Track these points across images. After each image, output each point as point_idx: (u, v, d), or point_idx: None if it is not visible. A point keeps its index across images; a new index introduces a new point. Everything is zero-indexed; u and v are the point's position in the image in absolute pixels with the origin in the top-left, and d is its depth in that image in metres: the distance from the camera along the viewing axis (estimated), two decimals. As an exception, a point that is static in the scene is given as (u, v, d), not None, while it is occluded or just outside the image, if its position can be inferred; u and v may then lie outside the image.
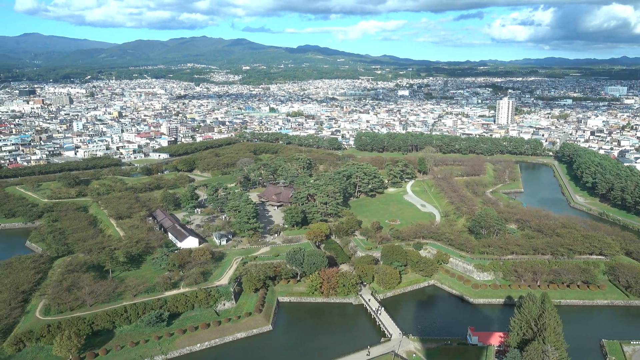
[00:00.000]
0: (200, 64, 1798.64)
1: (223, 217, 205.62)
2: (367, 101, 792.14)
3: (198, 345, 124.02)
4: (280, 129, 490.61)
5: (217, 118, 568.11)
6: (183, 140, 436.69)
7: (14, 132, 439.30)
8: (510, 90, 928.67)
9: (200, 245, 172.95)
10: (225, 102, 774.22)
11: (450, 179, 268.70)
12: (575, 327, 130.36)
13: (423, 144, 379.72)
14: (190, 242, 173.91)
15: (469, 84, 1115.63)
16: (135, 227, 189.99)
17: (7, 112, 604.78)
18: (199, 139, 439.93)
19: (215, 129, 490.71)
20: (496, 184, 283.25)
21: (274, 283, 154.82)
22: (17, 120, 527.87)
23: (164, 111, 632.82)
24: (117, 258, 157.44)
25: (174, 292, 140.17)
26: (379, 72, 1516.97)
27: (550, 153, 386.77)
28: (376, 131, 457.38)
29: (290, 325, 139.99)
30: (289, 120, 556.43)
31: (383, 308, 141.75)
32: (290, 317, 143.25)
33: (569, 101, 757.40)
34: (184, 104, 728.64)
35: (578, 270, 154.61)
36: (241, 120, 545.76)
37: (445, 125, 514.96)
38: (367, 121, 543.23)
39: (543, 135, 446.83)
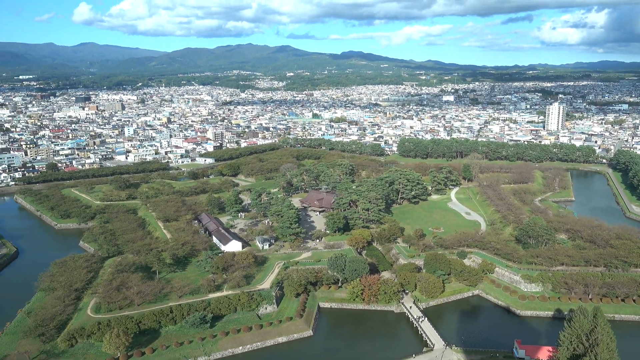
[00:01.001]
0: (246, 70, 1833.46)
1: (266, 222, 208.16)
2: (411, 107, 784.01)
3: (240, 347, 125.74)
4: (323, 134, 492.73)
5: (261, 124, 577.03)
6: (228, 145, 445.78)
7: (70, 137, 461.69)
8: (560, 95, 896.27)
9: (244, 249, 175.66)
10: (269, 108, 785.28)
11: (497, 187, 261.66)
12: (630, 344, 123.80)
13: (468, 150, 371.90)
14: (234, 246, 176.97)
15: (517, 89, 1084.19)
16: (182, 229, 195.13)
17: (65, 117, 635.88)
18: (243, 144, 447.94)
19: (259, 134, 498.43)
20: (545, 192, 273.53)
21: (315, 288, 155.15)
22: (73, 125, 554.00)
23: (210, 117, 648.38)
24: (164, 260, 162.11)
25: (218, 294, 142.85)
26: (423, 77, 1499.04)
27: (604, 160, 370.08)
28: (420, 137, 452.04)
29: (331, 331, 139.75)
30: (332, 126, 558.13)
31: (426, 317, 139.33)
32: (330, 323, 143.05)
33: (625, 106, 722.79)
34: (229, 110, 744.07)
35: (634, 284, 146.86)
36: (285, 126, 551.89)
37: (491, 132, 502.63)
38: (411, 127, 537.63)
39: (596, 141, 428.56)
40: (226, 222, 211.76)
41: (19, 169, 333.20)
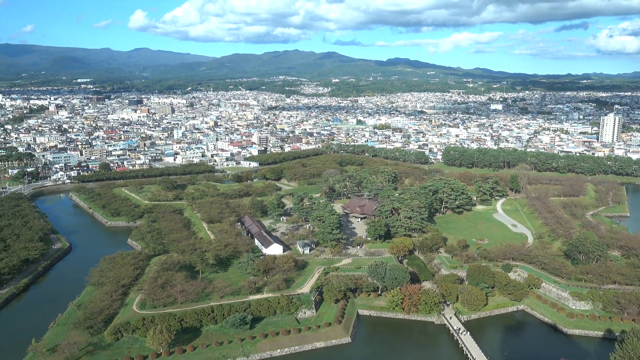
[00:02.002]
0: (292, 76, 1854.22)
1: (307, 227, 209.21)
2: (457, 115, 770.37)
3: (278, 350, 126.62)
4: (367, 141, 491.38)
5: (305, 129, 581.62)
6: (272, 149, 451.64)
7: (122, 138, 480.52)
8: (616, 106, 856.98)
9: (284, 253, 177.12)
10: (313, 113, 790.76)
11: (546, 199, 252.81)
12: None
13: (516, 160, 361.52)
14: (275, 249, 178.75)
15: (570, 99, 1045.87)
16: (225, 231, 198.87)
17: (118, 119, 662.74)
18: (287, 149, 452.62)
19: (303, 139, 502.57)
20: (598, 206, 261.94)
21: (355, 295, 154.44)
22: (125, 127, 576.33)
23: (255, 121, 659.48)
24: (207, 260, 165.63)
25: (258, 296, 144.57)
26: (471, 85, 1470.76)
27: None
28: (466, 146, 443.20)
29: (370, 339, 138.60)
30: (376, 132, 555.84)
31: (467, 330, 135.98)
32: (369, 331, 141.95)
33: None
34: (274, 114, 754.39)
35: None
36: (328, 132, 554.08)
37: (541, 142, 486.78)
38: (457, 135, 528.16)
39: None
40: (268, 225, 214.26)
41: (74, 168, 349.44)
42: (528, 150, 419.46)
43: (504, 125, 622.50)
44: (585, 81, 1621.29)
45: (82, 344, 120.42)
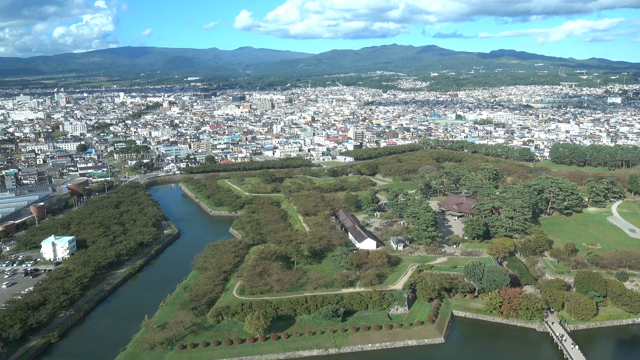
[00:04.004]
0: (389, 71, 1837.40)
1: (401, 223, 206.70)
2: (568, 109, 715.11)
3: (369, 345, 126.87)
4: (466, 137, 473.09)
5: (401, 124, 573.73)
6: (368, 145, 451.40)
7: (226, 133, 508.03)
8: None
9: (378, 248, 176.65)
10: (410, 108, 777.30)
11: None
12: None
13: (636, 159, 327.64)
14: (369, 244, 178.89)
15: None
16: (320, 224, 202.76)
17: (223, 115, 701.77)
18: (383, 144, 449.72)
19: (399, 135, 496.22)
20: None
21: (450, 295, 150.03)
22: (229, 122, 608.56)
23: (352, 117, 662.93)
24: (302, 251, 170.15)
25: (350, 290, 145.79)
26: (585, 77, 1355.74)
27: None
28: (577, 142, 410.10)
29: (464, 342, 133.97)
30: (476, 128, 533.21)
31: (574, 341, 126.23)
32: (464, 333, 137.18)
33: None
34: (371, 110, 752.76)
35: None
36: (426, 127, 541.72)
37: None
38: (567, 131, 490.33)
39: None
40: (362, 220, 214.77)
41: (183, 160, 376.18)
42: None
43: (623, 120, 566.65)
44: None
45: (188, 323, 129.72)
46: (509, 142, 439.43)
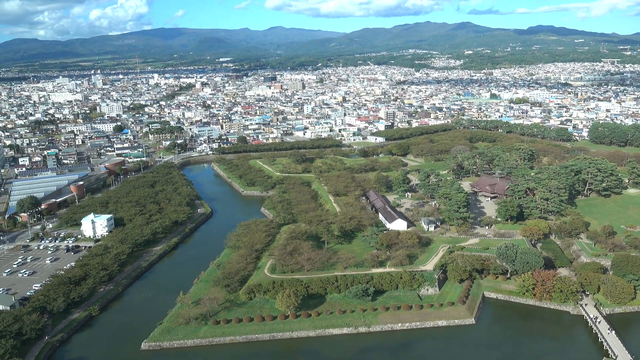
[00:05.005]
0: (422, 49, 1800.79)
1: (433, 204, 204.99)
2: (609, 87, 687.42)
3: (399, 324, 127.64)
4: (501, 116, 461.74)
5: (434, 104, 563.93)
6: (399, 125, 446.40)
7: (258, 113, 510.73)
8: None
9: (408, 229, 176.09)
10: (443, 87, 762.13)
11: None
12: None
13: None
14: (399, 225, 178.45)
15: None
16: (350, 204, 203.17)
17: (254, 95, 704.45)
18: (414, 124, 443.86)
19: (431, 114, 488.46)
20: None
21: (481, 277, 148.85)
22: (260, 103, 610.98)
23: (383, 96, 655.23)
24: (333, 231, 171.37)
25: (380, 270, 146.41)
26: (628, 53, 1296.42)
27: None
28: (618, 122, 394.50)
29: (495, 323, 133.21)
30: (512, 107, 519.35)
31: (609, 324, 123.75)
32: (495, 315, 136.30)
33: None
34: (402, 89, 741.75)
35: None
36: (459, 107, 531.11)
37: None
38: (607, 110, 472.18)
39: None
40: (393, 200, 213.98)
41: (216, 140, 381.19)
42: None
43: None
44: None
45: (221, 300, 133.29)
46: (546, 121, 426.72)
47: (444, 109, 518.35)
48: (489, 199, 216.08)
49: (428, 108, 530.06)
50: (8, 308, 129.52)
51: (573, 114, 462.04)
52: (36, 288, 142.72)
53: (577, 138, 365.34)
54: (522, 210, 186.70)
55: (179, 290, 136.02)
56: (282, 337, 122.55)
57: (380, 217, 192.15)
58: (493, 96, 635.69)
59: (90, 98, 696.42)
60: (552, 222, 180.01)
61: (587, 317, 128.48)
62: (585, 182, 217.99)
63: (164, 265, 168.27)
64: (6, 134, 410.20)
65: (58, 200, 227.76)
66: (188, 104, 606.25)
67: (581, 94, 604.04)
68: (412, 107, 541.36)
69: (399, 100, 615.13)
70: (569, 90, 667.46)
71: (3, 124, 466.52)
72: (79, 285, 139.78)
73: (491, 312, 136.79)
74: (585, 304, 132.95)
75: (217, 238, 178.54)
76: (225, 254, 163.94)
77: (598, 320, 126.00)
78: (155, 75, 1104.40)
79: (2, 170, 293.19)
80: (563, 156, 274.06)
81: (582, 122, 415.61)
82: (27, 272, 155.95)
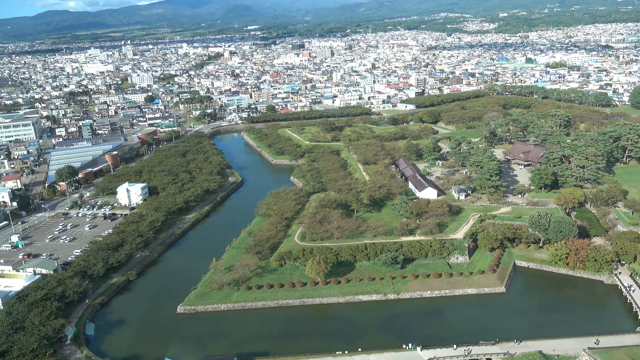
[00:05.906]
0: (454, 12, 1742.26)
1: (464, 172, 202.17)
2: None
3: (428, 292, 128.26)
4: (537, 81, 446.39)
5: (466, 69, 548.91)
6: (430, 91, 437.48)
7: (286, 82, 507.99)
8: None
9: (439, 197, 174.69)
10: (477, 52, 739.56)
11: None
12: None
13: None
14: (429, 193, 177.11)
15: None
16: (379, 173, 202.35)
17: (282, 64, 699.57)
18: (446, 90, 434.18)
19: (463, 80, 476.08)
20: None
21: (513, 245, 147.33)
22: (289, 71, 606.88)
23: (413, 62, 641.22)
24: (362, 200, 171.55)
25: (410, 238, 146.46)
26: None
27: None
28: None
29: (526, 292, 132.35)
30: (548, 72, 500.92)
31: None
32: (526, 283, 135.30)
33: None
34: (434, 55, 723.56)
35: None
36: (492, 72, 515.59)
37: None
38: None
39: None
40: (423, 169, 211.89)
41: (245, 110, 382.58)
42: None
43: None
44: None
45: (252, 266, 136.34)
46: (584, 86, 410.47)
47: (477, 75, 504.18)
48: (522, 167, 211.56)
49: (460, 74, 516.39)
50: (52, 272, 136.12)
51: (613, 78, 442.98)
52: (77, 253, 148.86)
53: (618, 103, 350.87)
54: (557, 178, 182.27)
55: (211, 256, 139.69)
56: (312, 302, 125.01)
57: (410, 185, 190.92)
58: (528, 60, 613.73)
59: (121, 69, 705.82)
60: (587, 191, 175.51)
61: (622, 287, 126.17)
62: (624, 149, 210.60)
63: (196, 232, 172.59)
64: (43, 105, 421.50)
65: (94, 169, 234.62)
66: (217, 73, 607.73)
67: (623, 57, 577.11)
68: (444, 73, 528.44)
69: (430, 66, 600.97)
70: (610, 52, 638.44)
71: (39, 96, 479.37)
72: (116, 251, 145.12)
73: (522, 281, 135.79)
74: (620, 273, 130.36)
75: (248, 206, 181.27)
76: (256, 222, 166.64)
77: (633, 289, 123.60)
78: (184, 44, 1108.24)
79: (41, 141, 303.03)
80: (602, 122, 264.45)
81: (623, 86, 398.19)
82: (67, 239, 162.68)
